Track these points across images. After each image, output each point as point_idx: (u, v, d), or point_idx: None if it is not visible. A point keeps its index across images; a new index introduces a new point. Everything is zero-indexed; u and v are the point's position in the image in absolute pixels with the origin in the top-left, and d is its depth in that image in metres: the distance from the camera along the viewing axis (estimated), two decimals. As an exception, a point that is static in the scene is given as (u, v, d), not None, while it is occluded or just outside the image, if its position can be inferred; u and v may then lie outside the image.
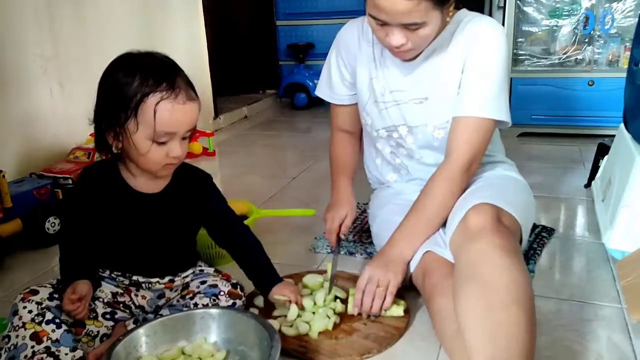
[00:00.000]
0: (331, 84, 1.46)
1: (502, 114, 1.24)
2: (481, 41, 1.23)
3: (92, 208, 1.09)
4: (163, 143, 0.99)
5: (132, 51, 1.01)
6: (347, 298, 1.25)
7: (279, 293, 1.17)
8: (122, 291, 1.13)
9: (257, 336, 1.02)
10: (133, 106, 0.96)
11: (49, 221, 1.70)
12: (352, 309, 1.21)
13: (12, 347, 0.97)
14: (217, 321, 1.06)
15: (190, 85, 1.01)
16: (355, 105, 1.46)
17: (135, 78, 0.96)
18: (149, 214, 1.09)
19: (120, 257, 1.13)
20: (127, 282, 1.14)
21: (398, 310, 1.21)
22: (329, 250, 1.59)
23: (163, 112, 0.95)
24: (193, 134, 1.06)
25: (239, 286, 1.18)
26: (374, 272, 1.20)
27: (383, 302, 1.18)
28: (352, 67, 1.41)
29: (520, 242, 1.20)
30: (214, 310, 1.07)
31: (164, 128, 0.97)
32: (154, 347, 1.03)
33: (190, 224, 1.16)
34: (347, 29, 1.41)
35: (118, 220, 1.09)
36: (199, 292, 1.14)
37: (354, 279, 1.36)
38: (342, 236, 1.46)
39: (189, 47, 3.12)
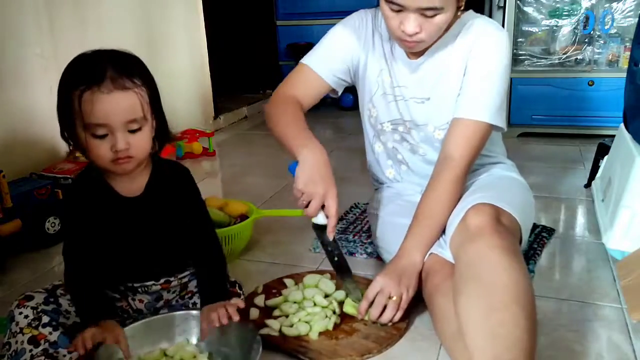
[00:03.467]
0: (326, 56, 1.36)
1: (499, 119, 1.25)
2: (484, 44, 1.23)
3: (83, 223, 1.05)
4: (103, 136, 0.96)
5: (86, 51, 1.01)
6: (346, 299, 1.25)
7: (204, 318, 1.03)
8: (118, 296, 1.12)
9: (239, 338, 1.02)
10: (65, 102, 0.96)
11: (48, 221, 1.71)
12: (348, 309, 1.20)
13: (13, 354, 0.97)
14: (198, 323, 1.04)
15: (127, 75, 0.96)
16: (325, 88, 1.37)
17: (66, 75, 0.98)
18: (133, 219, 1.07)
19: (112, 265, 1.10)
20: (122, 287, 1.11)
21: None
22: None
23: (86, 102, 0.94)
24: (163, 127, 1.03)
25: (237, 285, 1.17)
26: (386, 283, 1.15)
27: (395, 314, 1.15)
28: (357, 53, 1.36)
29: (520, 242, 1.20)
30: (195, 312, 1.06)
31: (93, 119, 0.94)
32: (136, 349, 1.02)
33: (175, 223, 1.10)
34: (362, 16, 1.36)
35: (106, 229, 1.07)
36: (197, 292, 1.13)
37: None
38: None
39: (189, 47, 3.12)
